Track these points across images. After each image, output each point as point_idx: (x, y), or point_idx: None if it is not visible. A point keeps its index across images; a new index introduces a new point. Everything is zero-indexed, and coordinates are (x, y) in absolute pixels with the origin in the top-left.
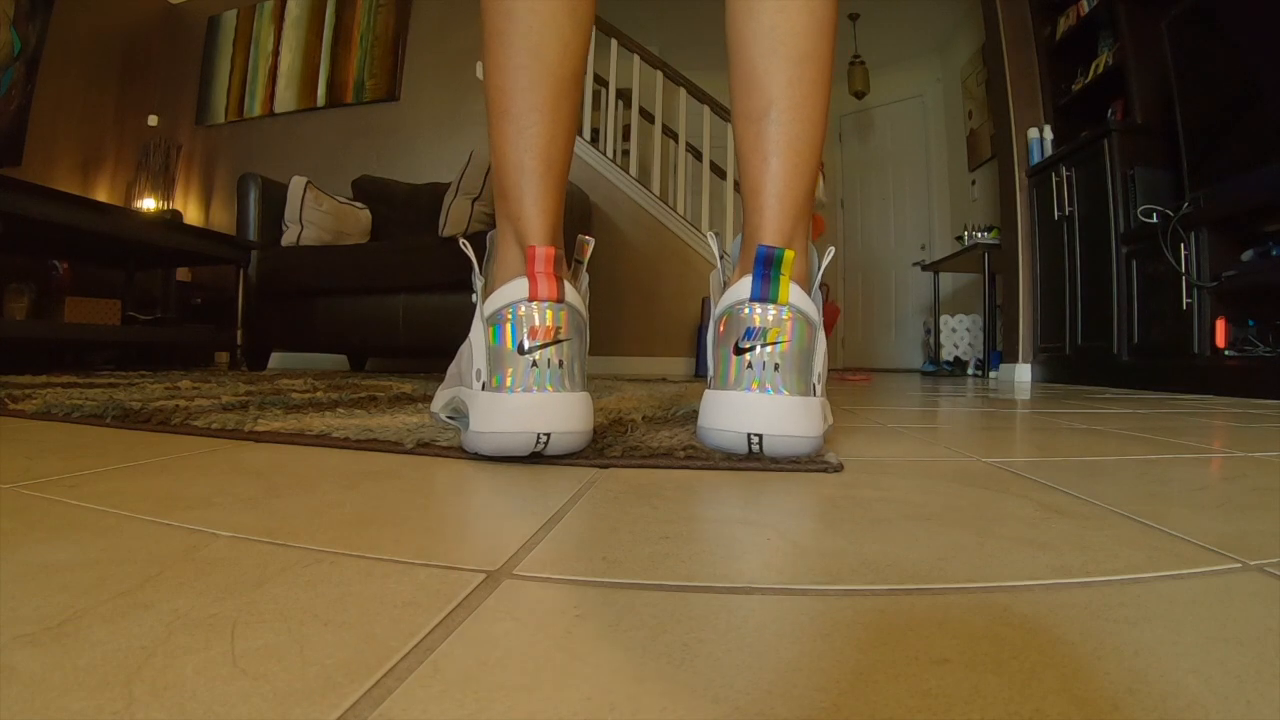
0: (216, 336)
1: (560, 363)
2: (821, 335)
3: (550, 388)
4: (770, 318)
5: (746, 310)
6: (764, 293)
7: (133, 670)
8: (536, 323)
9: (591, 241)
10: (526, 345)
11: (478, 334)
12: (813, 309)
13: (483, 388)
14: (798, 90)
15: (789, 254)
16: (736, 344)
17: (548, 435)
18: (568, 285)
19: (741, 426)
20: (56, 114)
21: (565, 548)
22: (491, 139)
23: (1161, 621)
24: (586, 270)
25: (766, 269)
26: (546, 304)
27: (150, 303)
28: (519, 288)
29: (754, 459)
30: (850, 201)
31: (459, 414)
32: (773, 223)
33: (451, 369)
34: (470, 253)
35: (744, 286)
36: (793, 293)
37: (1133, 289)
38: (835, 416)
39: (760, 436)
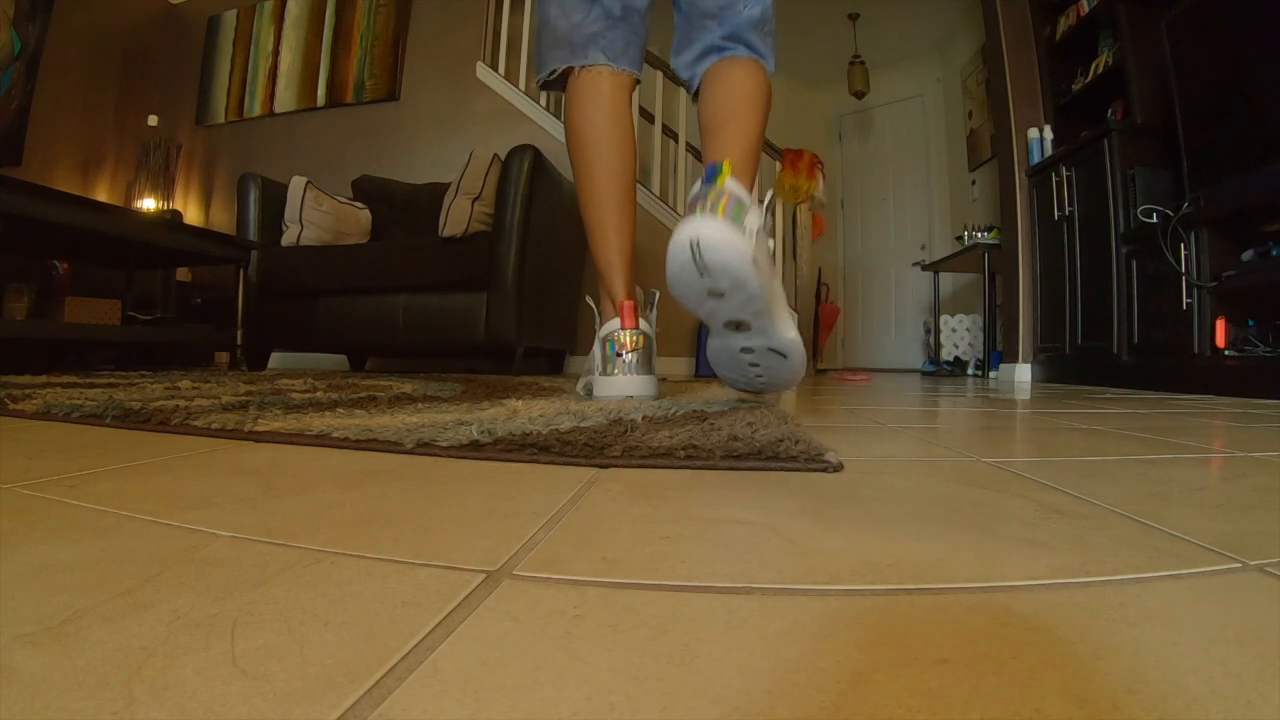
0: (216, 336)
1: (637, 360)
2: (754, 212)
3: (634, 373)
4: (710, 193)
5: (699, 188)
6: (709, 179)
7: (133, 670)
8: (625, 340)
9: (657, 293)
10: (620, 352)
11: (597, 348)
12: (743, 193)
13: (601, 374)
14: (742, 109)
15: (727, 164)
16: (691, 204)
17: (631, 397)
18: (641, 319)
19: (685, 235)
20: (56, 114)
21: (565, 548)
22: (590, 244)
23: (1161, 621)
24: (655, 307)
25: (713, 171)
26: (629, 330)
27: (150, 303)
28: (616, 323)
29: (699, 269)
30: (850, 201)
31: (589, 388)
32: (722, 152)
33: (585, 365)
34: (594, 305)
35: (698, 183)
36: (729, 182)
37: (1133, 289)
38: (835, 418)
39: (698, 241)
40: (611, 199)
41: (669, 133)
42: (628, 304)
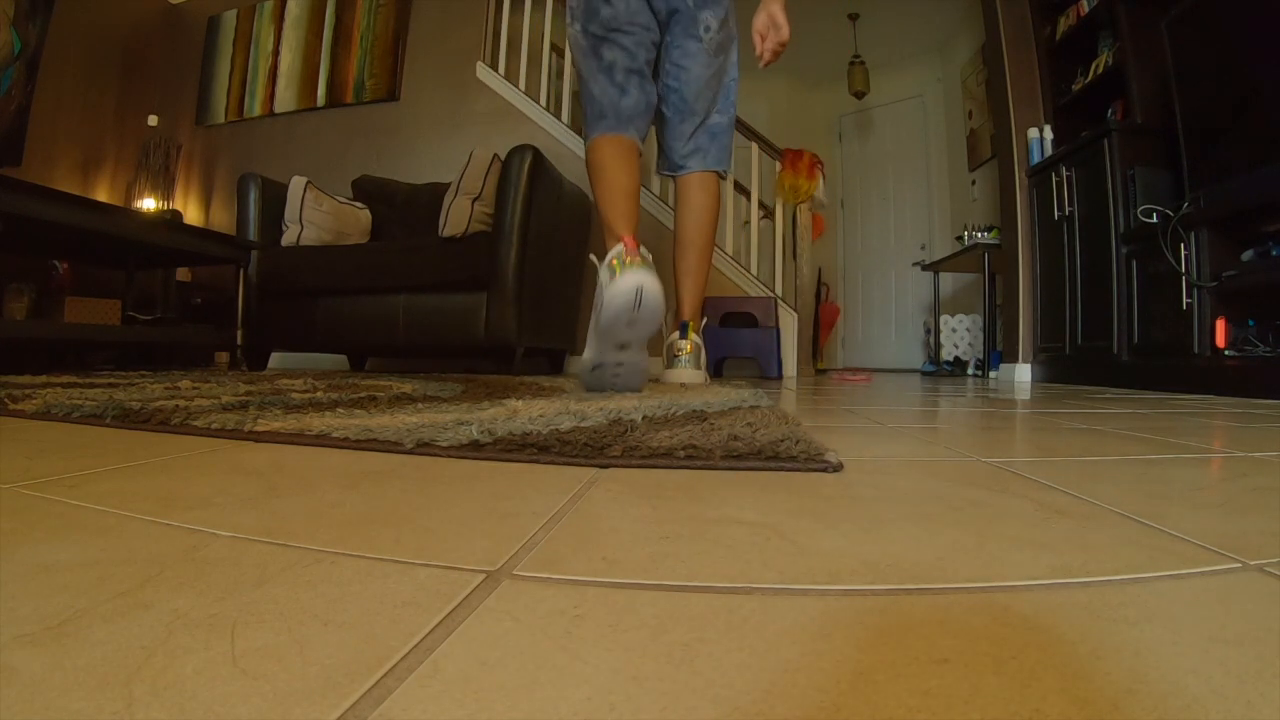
0: (216, 336)
1: (642, 263)
2: (703, 353)
3: (641, 271)
4: (683, 344)
5: (677, 336)
6: (684, 334)
7: (133, 670)
8: (627, 258)
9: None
10: (625, 261)
11: (604, 272)
12: (698, 339)
13: (609, 283)
14: (702, 248)
15: (691, 323)
16: (670, 354)
17: (640, 289)
18: (640, 249)
19: (673, 377)
20: (56, 114)
21: (565, 548)
22: (600, 209)
23: (1161, 621)
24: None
25: (684, 329)
26: (631, 251)
27: (150, 303)
28: (620, 247)
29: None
30: (850, 201)
31: (588, 374)
32: (687, 309)
33: (584, 364)
34: (597, 261)
35: (675, 335)
36: (693, 337)
37: (1133, 289)
38: (835, 418)
39: (683, 381)
40: (622, 191)
41: None
42: (629, 238)
